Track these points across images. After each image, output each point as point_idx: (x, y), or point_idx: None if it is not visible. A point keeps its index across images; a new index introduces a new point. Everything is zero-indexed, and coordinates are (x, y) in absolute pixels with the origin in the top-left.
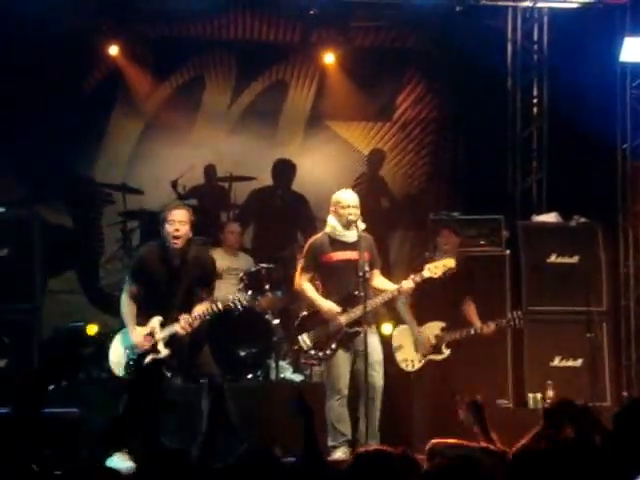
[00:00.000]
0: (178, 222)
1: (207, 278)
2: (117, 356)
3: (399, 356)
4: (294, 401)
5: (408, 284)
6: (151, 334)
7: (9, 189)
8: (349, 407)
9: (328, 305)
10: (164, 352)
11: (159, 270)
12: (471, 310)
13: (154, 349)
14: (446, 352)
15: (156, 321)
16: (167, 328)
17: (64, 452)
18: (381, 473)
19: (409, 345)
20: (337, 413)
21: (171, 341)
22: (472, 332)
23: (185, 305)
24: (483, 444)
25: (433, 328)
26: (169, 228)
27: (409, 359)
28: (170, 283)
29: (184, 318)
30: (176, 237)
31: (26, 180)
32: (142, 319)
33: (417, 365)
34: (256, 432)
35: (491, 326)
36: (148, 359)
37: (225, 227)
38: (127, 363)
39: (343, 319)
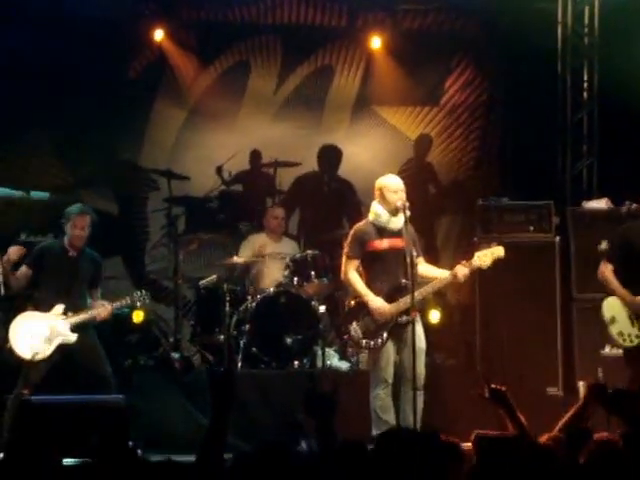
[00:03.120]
0: (80, 228)
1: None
2: (20, 333)
3: (613, 329)
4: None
5: (463, 271)
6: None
7: (55, 175)
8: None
9: (377, 303)
10: (73, 337)
11: (58, 258)
12: None
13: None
14: None
15: (60, 308)
16: (81, 314)
17: (111, 439)
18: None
19: (624, 317)
20: (382, 402)
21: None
22: None
23: (81, 299)
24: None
25: None
26: (73, 231)
27: (626, 333)
28: (68, 276)
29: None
30: (78, 239)
31: (71, 165)
32: (45, 307)
33: (636, 341)
34: (299, 419)
35: None
36: None
37: (269, 212)
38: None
39: (393, 309)
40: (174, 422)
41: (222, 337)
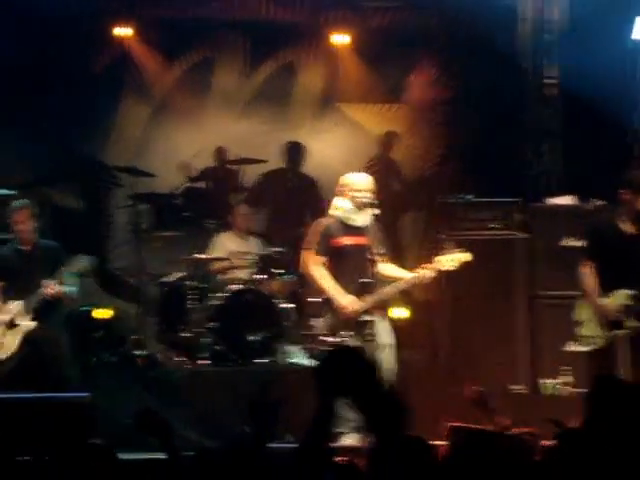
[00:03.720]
0: (20, 222)
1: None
2: None
3: (581, 332)
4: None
5: (429, 274)
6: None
7: (19, 172)
8: None
9: (345, 301)
10: (31, 324)
11: (14, 261)
12: None
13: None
14: (633, 325)
15: (17, 304)
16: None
17: (74, 437)
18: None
19: (592, 320)
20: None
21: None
22: None
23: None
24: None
25: (620, 297)
26: (16, 227)
27: (592, 335)
28: (23, 270)
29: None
30: (23, 233)
31: (35, 163)
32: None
33: (600, 343)
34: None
35: None
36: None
37: (235, 210)
38: None
39: (359, 307)
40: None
41: (187, 334)
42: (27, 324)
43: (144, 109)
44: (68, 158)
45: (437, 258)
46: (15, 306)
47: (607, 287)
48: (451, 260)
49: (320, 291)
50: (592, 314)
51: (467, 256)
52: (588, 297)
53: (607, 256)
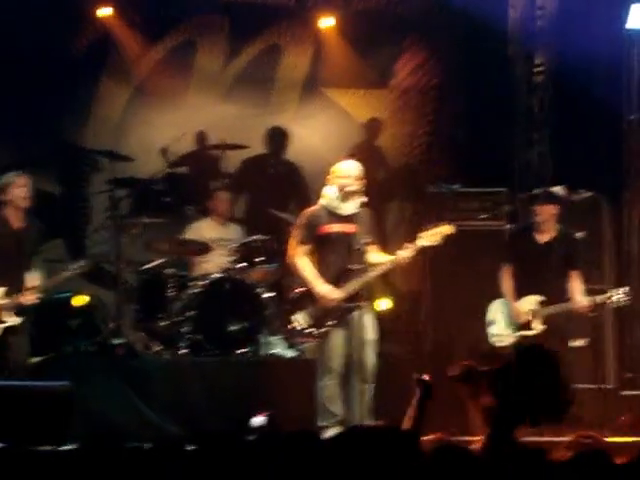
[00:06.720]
0: (22, 186)
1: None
2: None
3: (491, 331)
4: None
5: (404, 254)
6: None
7: None
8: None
9: (324, 290)
10: (11, 320)
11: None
12: (573, 285)
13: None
14: (539, 328)
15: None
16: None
17: (54, 426)
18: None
19: (502, 320)
20: (330, 393)
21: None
22: (569, 307)
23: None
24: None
25: (529, 302)
26: (20, 192)
27: (501, 334)
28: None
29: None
30: (23, 200)
31: (12, 146)
32: None
33: (507, 341)
34: (246, 408)
35: (590, 302)
36: None
37: (215, 196)
38: None
39: (338, 295)
40: (114, 409)
41: (165, 323)
42: (13, 320)
43: (124, 92)
44: (46, 141)
45: (419, 235)
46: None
47: (521, 291)
48: (432, 235)
49: (302, 280)
50: (501, 313)
51: (449, 228)
52: (506, 298)
53: (522, 262)
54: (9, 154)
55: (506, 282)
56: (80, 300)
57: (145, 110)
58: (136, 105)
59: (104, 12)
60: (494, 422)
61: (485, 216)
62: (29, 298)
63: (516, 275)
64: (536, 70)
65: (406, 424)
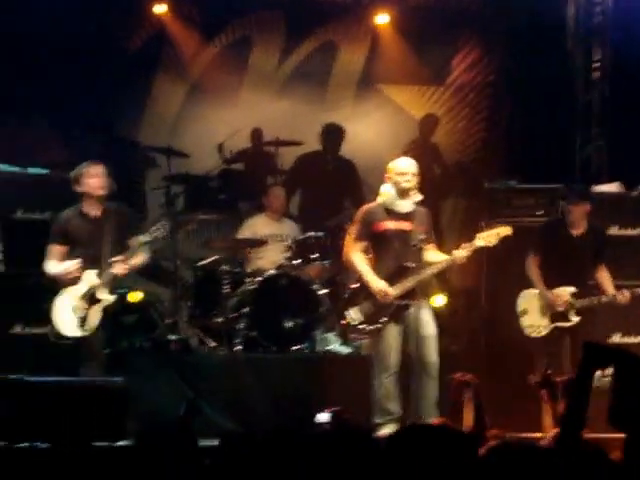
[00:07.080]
0: (96, 176)
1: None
2: (62, 315)
3: (524, 321)
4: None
5: (461, 253)
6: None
7: (53, 151)
8: (400, 384)
9: (379, 286)
10: (106, 299)
11: (80, 227)
12: (605, 277)
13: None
14: (575, 319)
15: (92, 274)
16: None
17: (110, 422)
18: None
19: (536, 310)
20: (386, 390)
21: None
22: (605, 299)
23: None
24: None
25: (562, 293)
26: (94, 182)
27: (535, 325)
28: (93, 237)
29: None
30: (98, 189)
31: (69, 142)
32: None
33: (544, 332)
34: (301, 405)
35: (626, 294)
36: None
37: (269, 192)
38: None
39: (393, 292)
40: (169, 405)
41: (220, 319)
42: (107, 298)
43: (180, 88)
44: (102, 137)
45: (476, 235)
46: (91, 276)
47: (552, 282)
48: (489, 236)
49: (358, 276)
50: (534, 303)
51: (506, 229)
52: (537, 287)
53: (554, 254)
54: (65, 150)
55: (535, 271)
56: (135, 297)
57: (201, 107)
58: (192, 102)
59: (160, 9)
60: (564, 423)
61: (541, 212)
62: (119, 267)
63: (544, 266)
64: (594, 66)
65: (466, 422)
